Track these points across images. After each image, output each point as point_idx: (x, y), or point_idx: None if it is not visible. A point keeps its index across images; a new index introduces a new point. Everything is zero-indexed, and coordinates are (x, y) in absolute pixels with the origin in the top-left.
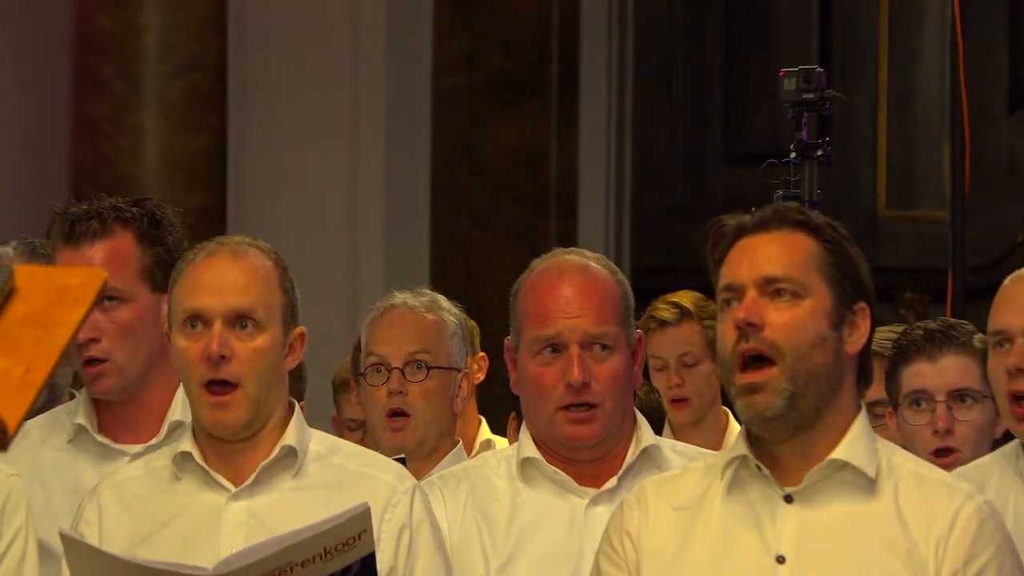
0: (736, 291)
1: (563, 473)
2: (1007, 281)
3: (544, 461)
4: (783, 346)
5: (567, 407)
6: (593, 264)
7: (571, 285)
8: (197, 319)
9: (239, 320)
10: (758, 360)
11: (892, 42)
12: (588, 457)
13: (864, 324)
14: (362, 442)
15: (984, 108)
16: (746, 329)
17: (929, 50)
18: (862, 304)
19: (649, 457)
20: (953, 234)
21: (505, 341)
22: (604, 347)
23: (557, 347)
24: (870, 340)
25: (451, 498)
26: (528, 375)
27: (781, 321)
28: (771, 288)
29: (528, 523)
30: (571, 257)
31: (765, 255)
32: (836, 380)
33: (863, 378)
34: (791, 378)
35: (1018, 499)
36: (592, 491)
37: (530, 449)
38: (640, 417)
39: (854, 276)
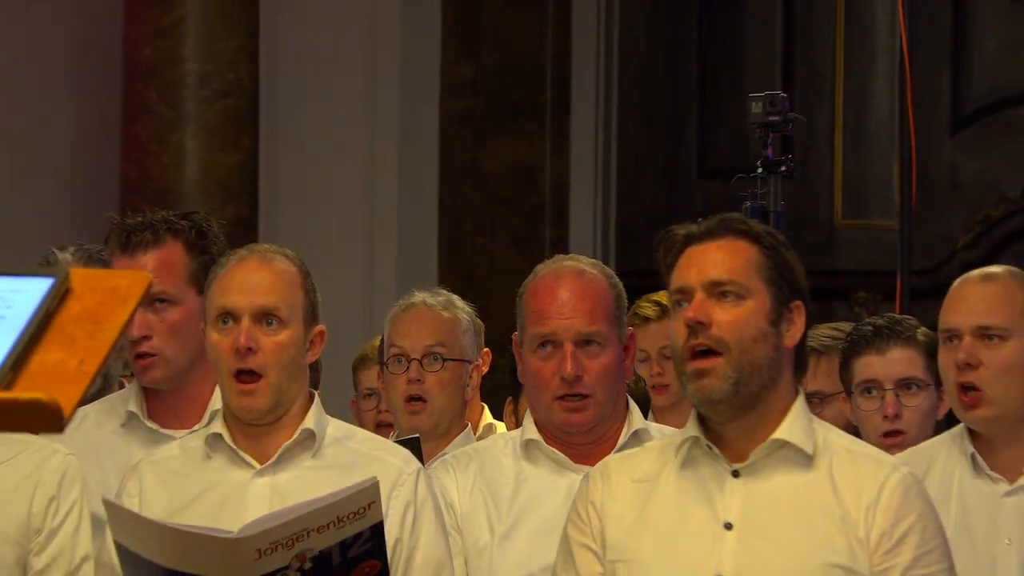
0: (686, 293)
1: (560, 453)
2: (956, 284)
3: (544, 442)
4: (728, 341)
5: (562, 397)
6: (588, 269)
7: (567, 288)
8: (228, 316)
9: (265, 317)
10: (706, 353)
11: (847, 71)
12: (583, 440)
13: (800, 320)
14: (377, 408)
15: (928, 130)
16: (695, 327)
17: (880, 78)
18: (798, 303)
19: (639, 438)
20: (901, 241)
21: (513, 336)
22: (596, 344)
23: (554, 343)
24: (805, 334)
25: (462, 474)
26: (530, 368)
27: (726, 319)
28: (717, 290)
29: (529, 497)
30: (569, 263)
31: (711, 261)
32: (776, 369)
33: (799, 367)
34: (736, 368)
35: (963, 475)
36: (587, 468)
37: (532, 432)
38: (632, 403)
39: (790, 278)
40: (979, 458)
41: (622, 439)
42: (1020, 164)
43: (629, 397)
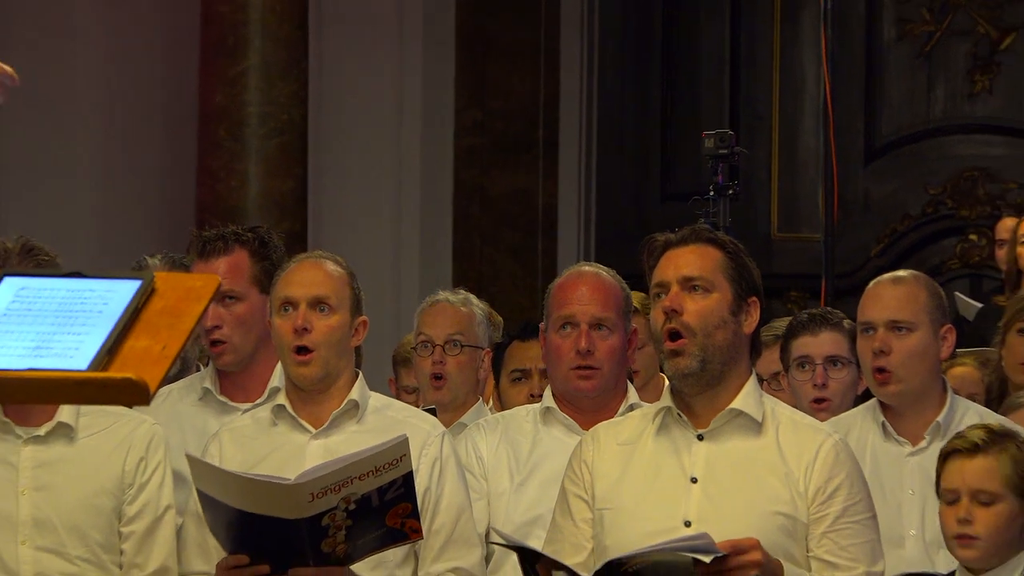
0: (664, 287)
1: (571, 419)
2: (871, 284)
3: (559, 410)
4: (695, 327)
5: (576, 367)
6: (603, 272)
7: (586, 283)
8: (289, 304)
9: (318, 304)
10: (679, 336)
11: (781, 113)
12: (590, 407)
13: (755, 312)
14: (415, 402)
15: (847, 161)
16: (671, 314)
17: (807, 119)
18: (754, 298)
19: (632, 410)
20: (825, 250)
21: (540, 325)
22: (606, 328)
23: (572, 324)
24: (759, 324)
25: (491, 434)
26: (552, 344)
27: (695, 309)
28: (689, 284)
29: (543, 453)
30: (588, 267)
31: (685, 261)
32: (735, 352)
33: (755, 351)
34: (702, 348)
35: (875, 439)
36: None
37: (550, 401)
38: (630, 384)
39: (748, 277)
40: (888, 426)
41: (620, 411)
42: (920, 189)
43: (628, 379)
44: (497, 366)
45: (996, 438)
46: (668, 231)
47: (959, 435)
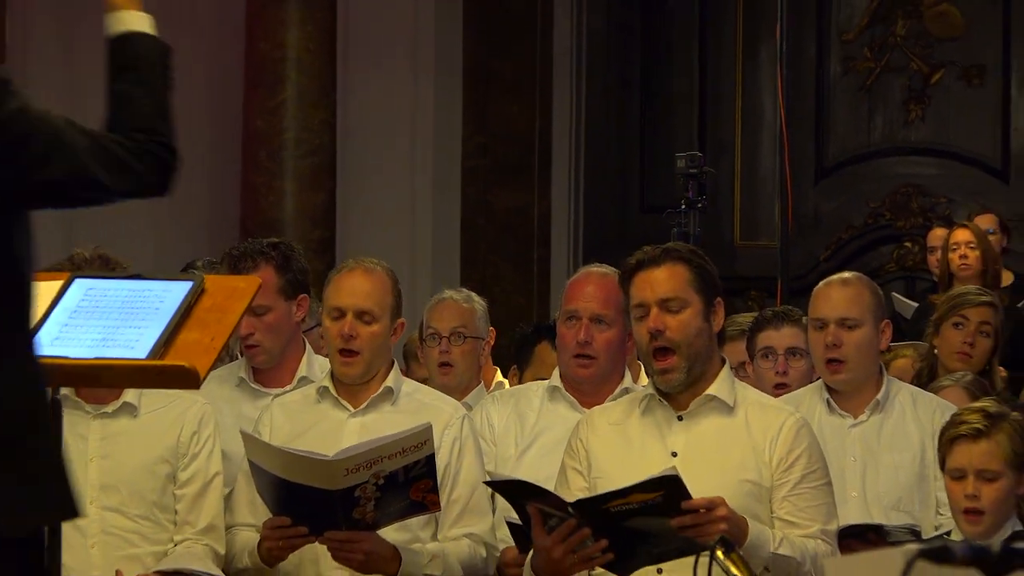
0: (644, 308)
1: (573, 398)
2: (821, 285)
3: (563, 389)
4: (679, 340)
5: (576, 356)
6: (611, 273)
7: (592, 283)
8: (338, 311)
9: (363, 315)
10: (665, 350)
11: (743, 138)
12: (589, 390)
13: (720, 311)
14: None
15: (799, 180)
16: (655, 334)
17: (765, 142)
18: (719, 299)
19: (625, 392)
20: (781, 256)
21: (557, 315)
22: (605, 323)
23: (575, 317)
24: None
25: (503, 406)
26: (559, 334)
27: (676, 324)
28: (666, 305)
29: (545, 425)
30: (598, 268)
31: (659, 283)
32: (710, 349)
33: (720, 340)
34: (687, 358)
35: (821, 412)
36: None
37: (556, 381)
38: (627, 370)
39: (712, 282)
40: (832, 402)
41: (616, 393)
42: (862, 204)
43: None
44: (521, 358)
45: (994, 421)
46: (649, 244)
47: (958, 421)
